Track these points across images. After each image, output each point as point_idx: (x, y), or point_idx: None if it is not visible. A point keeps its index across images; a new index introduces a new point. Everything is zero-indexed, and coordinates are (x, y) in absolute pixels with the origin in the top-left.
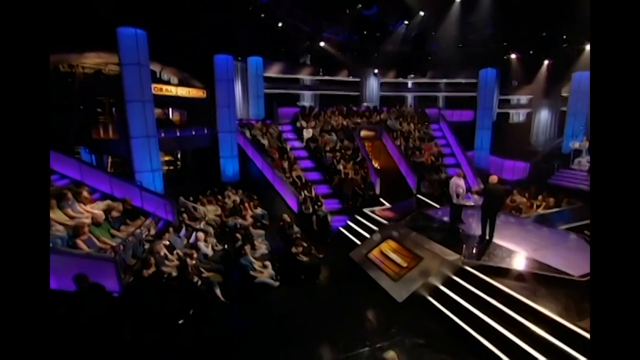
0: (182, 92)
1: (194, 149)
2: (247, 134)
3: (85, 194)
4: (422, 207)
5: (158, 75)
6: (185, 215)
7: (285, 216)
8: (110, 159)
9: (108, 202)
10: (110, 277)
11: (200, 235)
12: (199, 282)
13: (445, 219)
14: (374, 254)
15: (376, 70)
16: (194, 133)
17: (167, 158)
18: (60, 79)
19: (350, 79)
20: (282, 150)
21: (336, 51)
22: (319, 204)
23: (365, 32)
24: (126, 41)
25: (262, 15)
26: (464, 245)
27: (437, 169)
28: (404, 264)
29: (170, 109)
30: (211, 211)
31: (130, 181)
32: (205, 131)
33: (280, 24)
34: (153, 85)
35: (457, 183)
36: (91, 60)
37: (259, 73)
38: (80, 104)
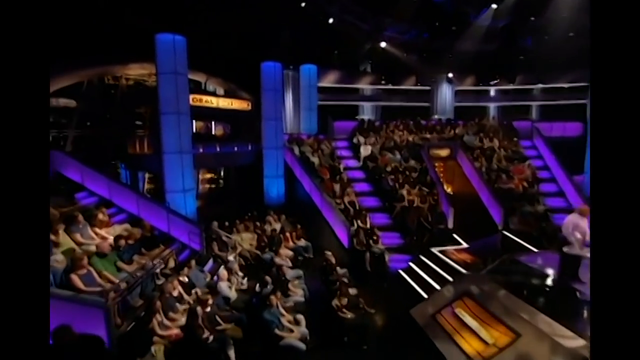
0: (224, 103)
1: (236, 167)
2: (296, 150)
3: (101, 216)
4: (512, 250)
5: (203, 87)
6: (215, 245)
7: (329, 254)
8: (146, 176)
9: (126, 226)
10: (99, 327)
11: (223, 273)
12: (210, 338)
13: (551, 271)
14: (445, 316)
15: (450, 75)
16: (236, 149)
17: (208, 176)
18: (104, 91)
19: (418, 87)
20: (334, 170)
21: (401, 53)
22: (375, 238)
23: (437, 26)
24: (164, 48)
25: (314, 12)
26: (589, 321)
27: (531, 198)
28: (490, 340)
29: (213, 122)
30: (246, 240)
31: (158, 202)
32: (249, 147)
33: (331, 20)
34: (193, 96)
35: (576, 223)
36: (134, 72)
37: (312, 83)
38: (121, 116)
